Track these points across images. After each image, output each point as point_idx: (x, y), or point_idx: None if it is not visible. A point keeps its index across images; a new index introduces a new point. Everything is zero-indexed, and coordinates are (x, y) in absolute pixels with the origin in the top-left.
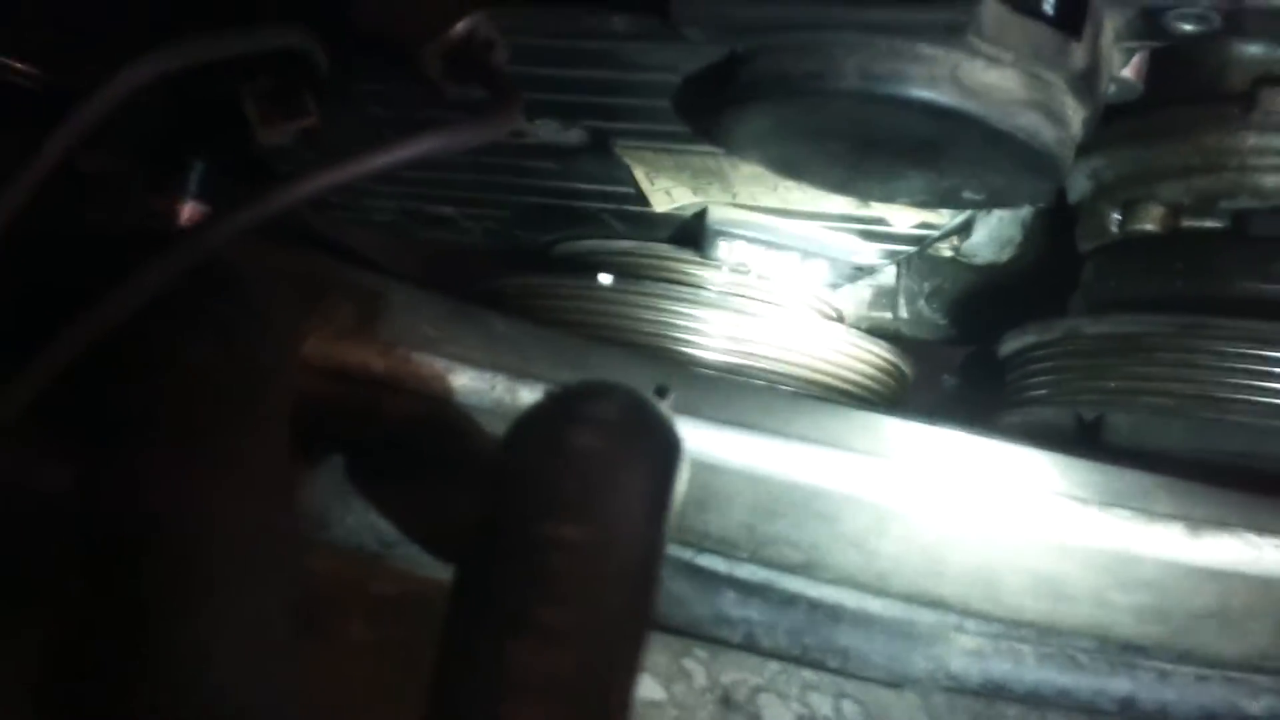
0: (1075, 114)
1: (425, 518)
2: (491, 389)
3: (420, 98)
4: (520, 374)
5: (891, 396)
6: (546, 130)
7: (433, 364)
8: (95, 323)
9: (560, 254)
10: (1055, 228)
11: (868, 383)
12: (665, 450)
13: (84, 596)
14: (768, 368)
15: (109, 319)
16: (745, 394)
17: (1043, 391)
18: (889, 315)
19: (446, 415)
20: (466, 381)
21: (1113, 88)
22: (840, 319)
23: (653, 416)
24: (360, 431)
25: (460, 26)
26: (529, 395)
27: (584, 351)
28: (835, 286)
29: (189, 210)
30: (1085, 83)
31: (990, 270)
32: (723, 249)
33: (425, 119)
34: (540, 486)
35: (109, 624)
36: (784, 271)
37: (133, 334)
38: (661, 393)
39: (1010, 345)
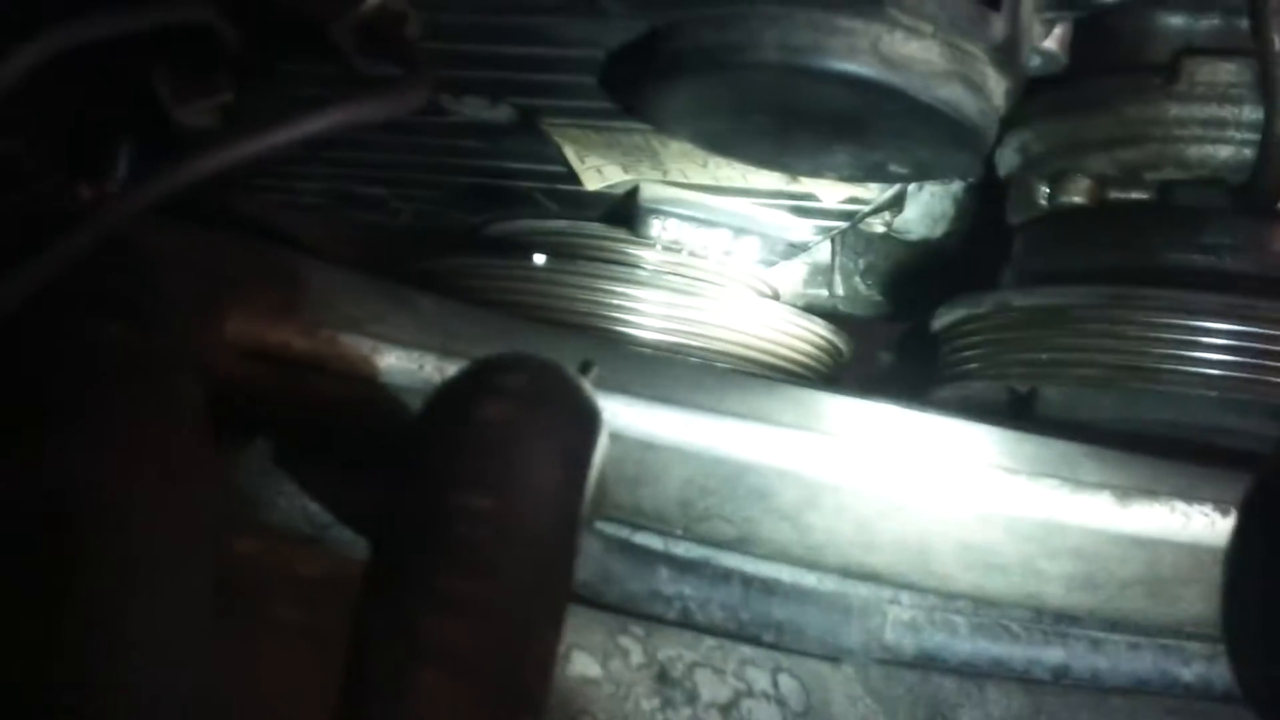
0: (997, 85)
1: (353, 499)
2: (420, 368)
3: (336, 74)
4: (448, 353)
5: (828, 373)
6: (474, 108)
7: (358, 344)
8: None
9: (492, 234)
10: (987, 203)
11: (804, 360)
12: (579, 420)
13: None
14: (703, 346)
15: (12, 300)
16: (676, 370)
17: (975, 365)
18: (825, 292)
19: (373, 396)
20: (393, 361)
21: (1037, 60)
22: (776, 296)
23: (566, 387)
24: (286, 413)
25: (371, 2)
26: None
27: (513, 329)
28: (770, 264)
29: None
30: (1006, 54)
31: (924, 246)
32: (655, 227)
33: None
34: (449, 456)
35: (22, 612)
36: (717, 249)
37: (37, 315)
38: (585, 368)
39: (942, 319)
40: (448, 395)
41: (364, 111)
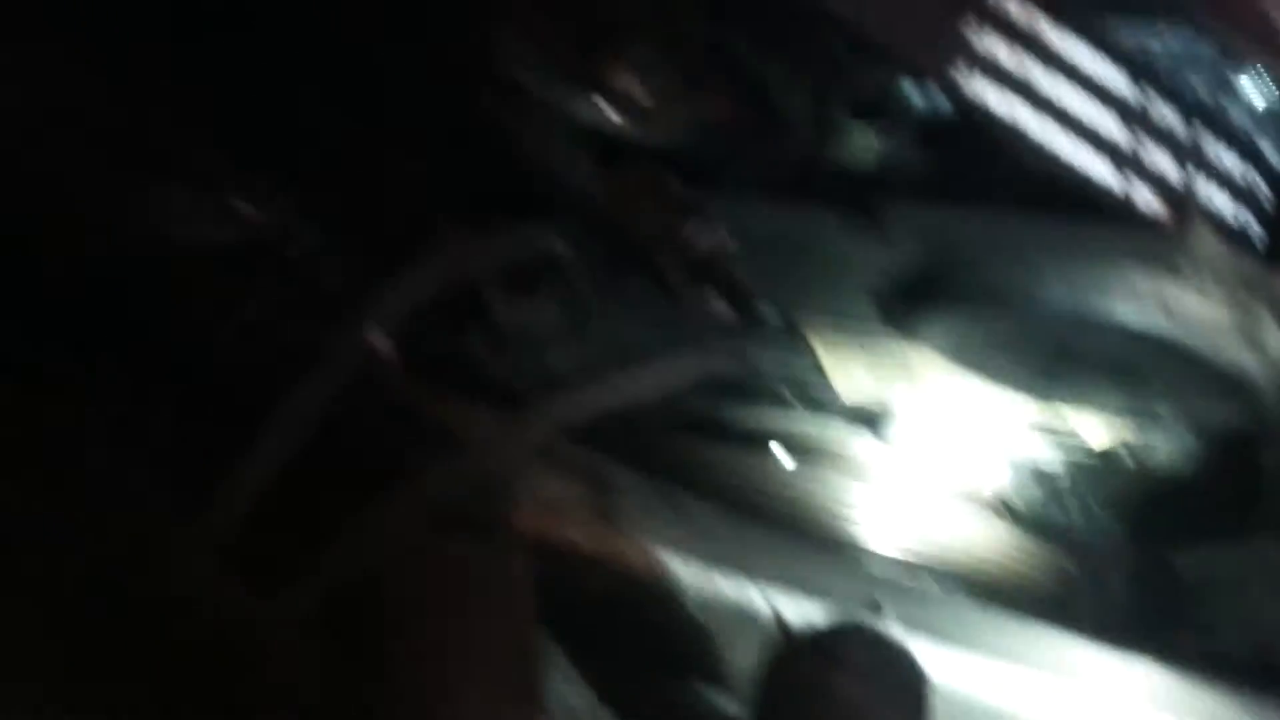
0: (1278, 341)
1: (624, 691)
2: (695, 576)
3: (658, 298)
4: (721, 562)
5: (1060, 597)
6: None
7: (638, 547)
8: (383, 529)
9: (737, 425)
10: (1236, 439)
11: (1035, 581)
12: (920, 692)
13: None
14: (938, 555)
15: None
16: (935, 603)
17: (1229, 620)
18: (1061, 514)
19: (648, 597)
20: (670, 566)
21: None
22: (1012, 514)
23: (902, 659)
24: (564, 603)
25: (693, 229)
26: (726, 585)
27: (781, 546)
28: (1010, 482)
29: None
30: None
31: (1167, 477)
32: (901, 436)
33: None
34: None
35: None
36: (961, 463)
37: (391, 529)
38: (876, 608)
39: (1193, 562)
40: (798, 666)
41: (719, 362)
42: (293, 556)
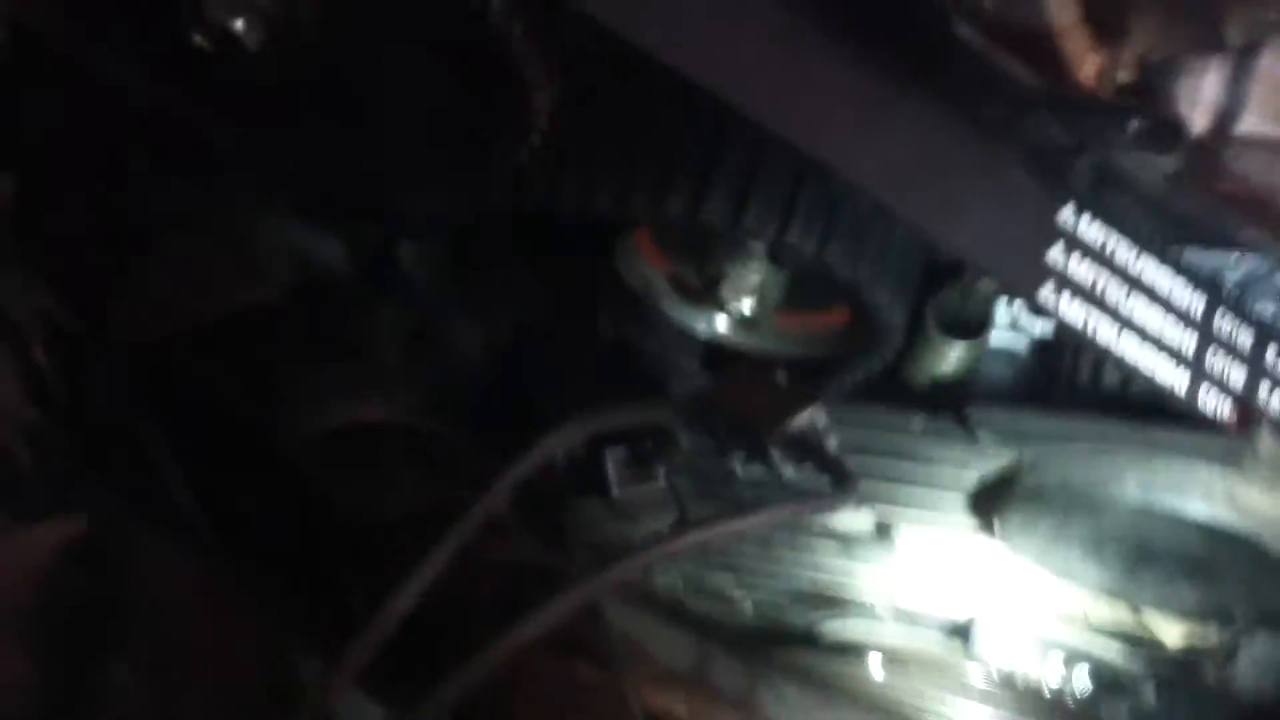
0: None
1: None
2: None
3: (752, 465)
4: None
5: None
6: (842, 516)
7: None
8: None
9: (826, 634)
10: None
11: None
12: None
13: None
14: None
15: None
16: None
17: None
18: None
19: None
20: None
21: None
22: None
23: None
24: None
25: (801, 417)
26: None
27: None
28: (1096, 695)
29: None
30: None
31: (1254, 703)
32: (989, 648)
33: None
34: None
35: None
36: (1048, 676)
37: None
38: None
39: None
40: None
41: (803, 510)
42: (425, 675)
